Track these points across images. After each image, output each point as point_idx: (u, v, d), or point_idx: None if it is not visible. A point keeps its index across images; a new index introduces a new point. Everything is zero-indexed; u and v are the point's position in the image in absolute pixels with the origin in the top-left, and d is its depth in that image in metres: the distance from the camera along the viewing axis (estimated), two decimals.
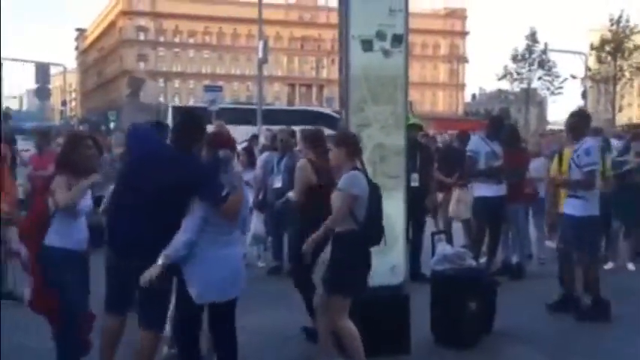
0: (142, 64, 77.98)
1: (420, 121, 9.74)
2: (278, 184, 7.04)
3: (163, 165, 3.53)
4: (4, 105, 36.16)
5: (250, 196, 7.57)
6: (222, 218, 3.44)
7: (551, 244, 7.76)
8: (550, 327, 5.42)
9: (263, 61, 20.79)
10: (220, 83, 43.18)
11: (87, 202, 3.99)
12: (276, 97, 75.08)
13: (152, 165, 3.57)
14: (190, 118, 3.88)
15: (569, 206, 5.59)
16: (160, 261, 3.34)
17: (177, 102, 39.44)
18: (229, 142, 3.70)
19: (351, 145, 3.98)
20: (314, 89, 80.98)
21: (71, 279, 3.78)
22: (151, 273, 3.34)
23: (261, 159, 7.89)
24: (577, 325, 5.48)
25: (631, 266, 7.64)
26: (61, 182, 3.81)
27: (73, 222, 3.85)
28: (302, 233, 4.49)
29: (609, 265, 7.58)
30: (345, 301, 3.97)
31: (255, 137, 11.85)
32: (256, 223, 7.58)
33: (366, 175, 3.97)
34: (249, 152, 8.37)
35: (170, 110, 27.49)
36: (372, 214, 3.89)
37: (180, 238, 3.38)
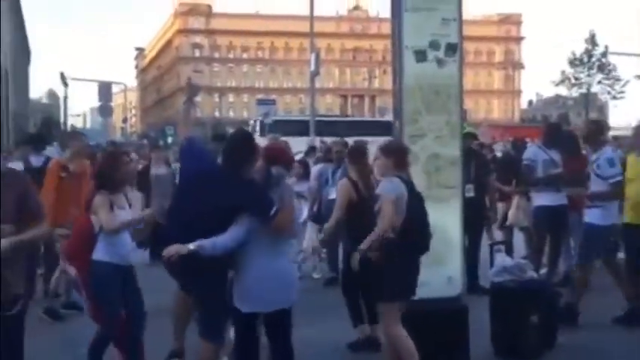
0: (197, 80, 79.85)
1: (475, 129, 9.59)
2: (333, 195, 7.04)
3: (214, 184, 3.57)
4: (69, 123, 37.96)
5: (305, 208, 7.63)
6: (273, 233, 3.46)
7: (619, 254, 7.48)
8: (615, 341, 5.21)
9: (315, 74, 20.99)
10: (273, 96, 43.82)
11: (128, 216, 4.09)
12: (329, 108, 75.40)
13: (203, 184, 3.62)
14: (241, 138, 3.87)
15: (590, 216, 5.56)
16: (191, 246, 3.33)
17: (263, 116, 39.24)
18: (284, 158, 3.72)
19: (400, 156, 4.01)
20: (366, 100, 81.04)
21: (118, 292, 3.94)
22: (177, 249, 3.34)
23: (315, 170, 7.93)
24: None
25: None
26: (103, 201, 3.93)
27: (117, 237, 3.98)
28: (347, 249, 4.59)
29: None
30: (393, 308, 3.98)
31: (312, 149, 11.96)
32: (311, 235, 7.62)
33: (411, 185, 3.98)
34: (303, 164, 8.43)
35: (258, 124, 28.15)
36: (413, 221, 3.89)
37: (222, 241, 3.38)
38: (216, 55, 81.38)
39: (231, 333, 4.21)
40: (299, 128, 22.12)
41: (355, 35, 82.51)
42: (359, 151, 5.17)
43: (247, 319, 3.52)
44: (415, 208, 3.92)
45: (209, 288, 3.60)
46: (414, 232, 3.89)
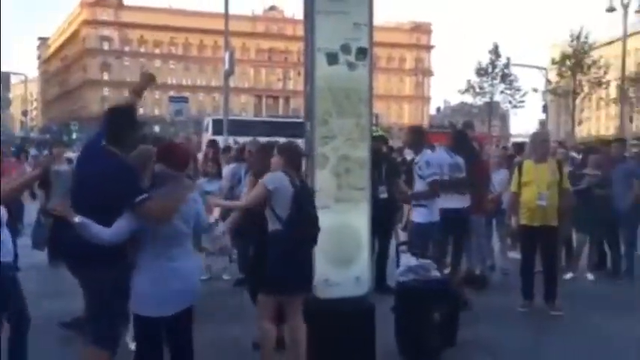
0: (105, 74, 77.08)
1: (387, 133, 9.84)
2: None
3: (95, 169, 3.46)
4: None
5: (216, 208, 7.51)
6: (147, 223, 3.33)
7: (514, 255, 7.90)
8: (513, 337, 5.50)
9: (229, 73, 20.71)
10: (186, 94, 42.93)
11: (3, 211, 3.86)
12: (243, 108, 74.88)
13: (87, 169, 3.52)
14: (119, 112, 3.70)
15: (416, 214, 5.93)
16: (77, 218, 3.19)
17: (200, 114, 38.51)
18: (171, 157, 3.52)
19: (291, 155, 4.22)
20: (281, 101, 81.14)
21: (10, 291, 3.73)
22: (67, 210, 3.20)
23: (227, 170, 7.84)
24: (540, 336, 5.57)
25: (590, 276, 7.84)
26: None
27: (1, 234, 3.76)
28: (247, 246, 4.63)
29: (568, 275, 7.76)
30: (266, 300, 4.10)
31: (227, 148, 11.82)
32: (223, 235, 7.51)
33: (298, 181, 4.13)
34: (216, 163, 8.31)
35: (211, 123, 27.87)
36: (297, 214, 4.01)
37: (104, 233, 3.25)
38: (127, 48, 78.59)
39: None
40: (247, 129, 22.26)
41: (271, 36, 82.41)
42: (265, 149, 5.17)
43: (147, 323, 3.39)
44: (301, 202, 4.05)
45: (97, 285, 3.43)
46: (300, 224, 4.00)
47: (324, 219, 4.16)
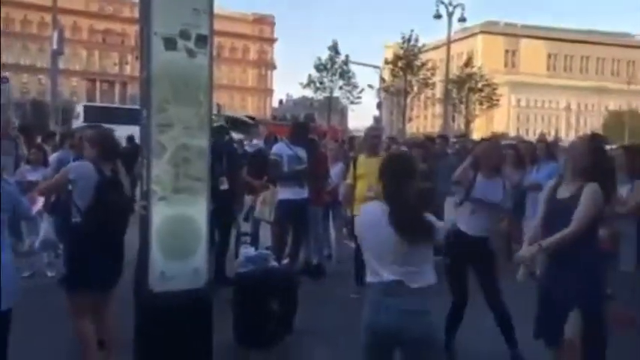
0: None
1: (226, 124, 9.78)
2: None
3: None
4: None
5: (39, 198, 6.94)
6: None
7: (349, 243, 8.29)
8: (347, 323, 5.75)
9: (58, 53, 19.24)
10: (7, 74, 39.07)
11: None
12: (73, 92, 69.86)
13: None
14: None
15: None
16: None
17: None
18: None
19: (103, 146, 4.15)
20: (117, 86, 76.94)
21: None
22: None
23: (53, 158, 7.31)
24: None
25: None
26: None
27: None
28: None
29: None
30: (74, 299, 3.95)
31: (51, 135, 11.02)
32: (47, 228, 6.97)
33: (106, 173, 4.08)
34: (42, 150, 7.71)
35: (82, 110, 25.28)
36: (97, 205, 3.95)
37: None
38: None
39: None
40: (114, 116, 20.89)
41: (106, 16, 77.66)
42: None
43: None
44: (104, 192, 3.97)
45: None
46: (99, 216, 3.91)
47: (161, 210, 4.03)
